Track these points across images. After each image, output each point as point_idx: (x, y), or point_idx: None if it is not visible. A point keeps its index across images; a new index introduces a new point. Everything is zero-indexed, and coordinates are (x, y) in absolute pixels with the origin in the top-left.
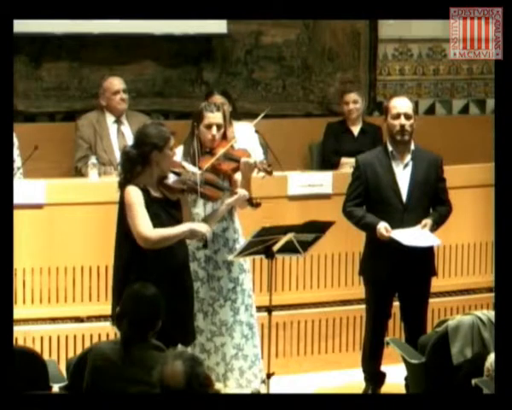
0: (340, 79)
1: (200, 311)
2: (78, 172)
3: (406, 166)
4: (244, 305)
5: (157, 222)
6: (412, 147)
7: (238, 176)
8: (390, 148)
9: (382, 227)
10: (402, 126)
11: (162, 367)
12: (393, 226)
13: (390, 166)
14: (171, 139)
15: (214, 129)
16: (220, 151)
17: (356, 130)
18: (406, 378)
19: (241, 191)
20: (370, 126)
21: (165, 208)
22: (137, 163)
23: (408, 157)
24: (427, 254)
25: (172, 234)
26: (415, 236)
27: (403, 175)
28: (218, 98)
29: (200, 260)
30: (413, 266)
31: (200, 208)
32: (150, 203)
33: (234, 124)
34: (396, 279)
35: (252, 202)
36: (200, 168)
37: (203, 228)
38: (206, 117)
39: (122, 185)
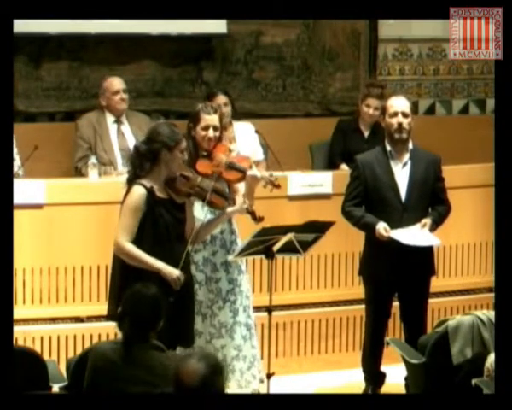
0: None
1: (199, 313)
2: (78, 173)
3: (405, 165)
4: (242, 306)
5: (161, 223)
6: (410, 146)
7: (240, 185)
8: (388, 147)
9: (381, 227)
10: (400, 124)
11: (183, 365)
12: (393, 226)
13: (389, 165)
14: (183, 141)
15: (211, 131)
16: (220, 156)
17: (367, 131)
18: (406, 378)
19: (240, 201)
20: (381, 128)
21: (169, 209)
22: (146, 160)
23: (406, 156)
24: (426, 253)
25: (143, 259)
26: (414, 235)
27: (401, 174)
28: (221, 99)
29: (197, 262)
30: (412, 265)
31: (199, 212)
32: (154, 204)
33: (234, 124)
34: (395, 279)
35: (255, 217)
36: (197, 172)
37: (173, 274)
38: (202, 119)
39: (130, 181)
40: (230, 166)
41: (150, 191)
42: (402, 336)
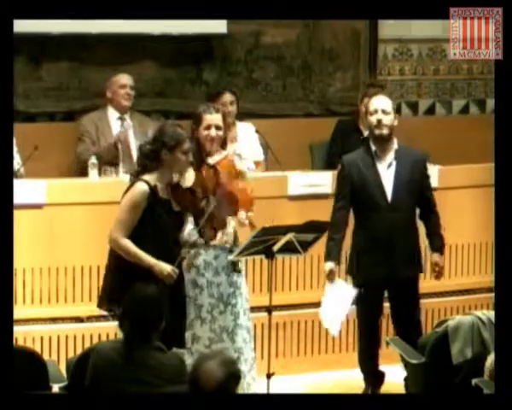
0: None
1: (198, 318)
2: (80, 163)
3: (390, 165)
4: (242, 309)
5: (160, 222)
6: (395, 146)
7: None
8: (373, 147)
9: (327, 270)
10: (379, 121)
11: (203, 364)
12: (381, 226)
13: (374, 165)
14: (185, 143)
15: (213, 130)
16: (224, 174)
17: (366, 131)
18: (406, 379)
19: (220, 236)
20: None
21: (170, 210)
22: (149, 159)
23: (391, 156)
24: (413, 251)
25: (136, 255)
26: (338, 303)
27: (387, 174)
28: (228, 97)
29: (199, 266)
30: (400, 263)
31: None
32: (155, 203)
33: (237, 124)
34: (383, 278)
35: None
36: (200, 179)
37: (164, 271)
38: (204, 119)
39: (133, 177)
40: (230, 194)
41: (153, 190)
42: None
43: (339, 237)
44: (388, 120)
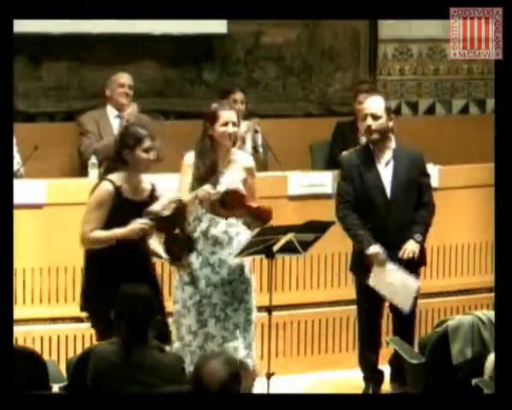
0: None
1: (213, 316)
2: (83, 159)
3: (387, 164)
4: (253, 305)
5: (125, 220)
6: (393, 146)
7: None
8: (371, 146)
9: (376, 252)
10: (369, 127)
11: (207, 363)
12: (379, 225)
13: (373, 164)
14: (145, 141)
15: (230, 126)
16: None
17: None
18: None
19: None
20: None
21: (137, 210)
22: (113, 160)
23: (388, 156)
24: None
25: (107, 236)
26: (396, 283)
27: (384, 173)
28: (239, 95)
29: (213, 264)
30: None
31: None
32: (121, 203)
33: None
34: None
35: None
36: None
37: (135, 228)
38: (221, 116)
39: (99, 178)
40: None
41: (117, 189)
42: None
43: (360, 223)
44: (378, 125)
